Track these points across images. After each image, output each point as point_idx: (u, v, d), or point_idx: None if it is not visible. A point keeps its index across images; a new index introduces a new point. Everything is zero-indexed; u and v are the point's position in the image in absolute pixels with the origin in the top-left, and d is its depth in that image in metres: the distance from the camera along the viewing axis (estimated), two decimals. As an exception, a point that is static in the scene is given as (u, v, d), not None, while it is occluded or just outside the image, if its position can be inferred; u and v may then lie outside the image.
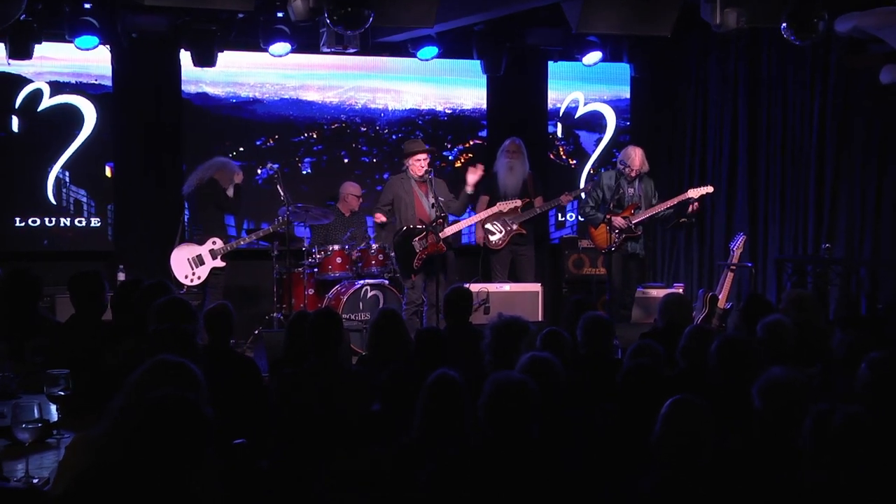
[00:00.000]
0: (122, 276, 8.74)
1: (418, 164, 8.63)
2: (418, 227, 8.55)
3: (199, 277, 8.61)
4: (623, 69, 10.91)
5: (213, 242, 8.65)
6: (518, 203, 8.99)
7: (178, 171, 9.65)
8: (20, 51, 8.79)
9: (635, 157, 8.82)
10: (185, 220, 9.38)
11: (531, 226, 9.61)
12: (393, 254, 8.79)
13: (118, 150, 9.69)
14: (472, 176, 8.87)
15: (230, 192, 8.83)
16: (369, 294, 8.97)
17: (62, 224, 9.54)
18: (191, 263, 8.59)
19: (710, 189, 8.87)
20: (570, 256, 10.21)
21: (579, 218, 10.59)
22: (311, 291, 9.13)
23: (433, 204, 8.44)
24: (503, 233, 9.33)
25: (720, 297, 8.83)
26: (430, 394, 3.84)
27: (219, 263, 8.64)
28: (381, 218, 8.86)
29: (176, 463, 2.93)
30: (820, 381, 4.95)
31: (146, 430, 2.94)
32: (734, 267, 8.99)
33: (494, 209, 8.94)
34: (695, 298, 9.12)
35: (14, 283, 5.78)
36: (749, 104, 10.47)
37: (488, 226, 9.26)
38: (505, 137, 9.76)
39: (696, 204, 8.79)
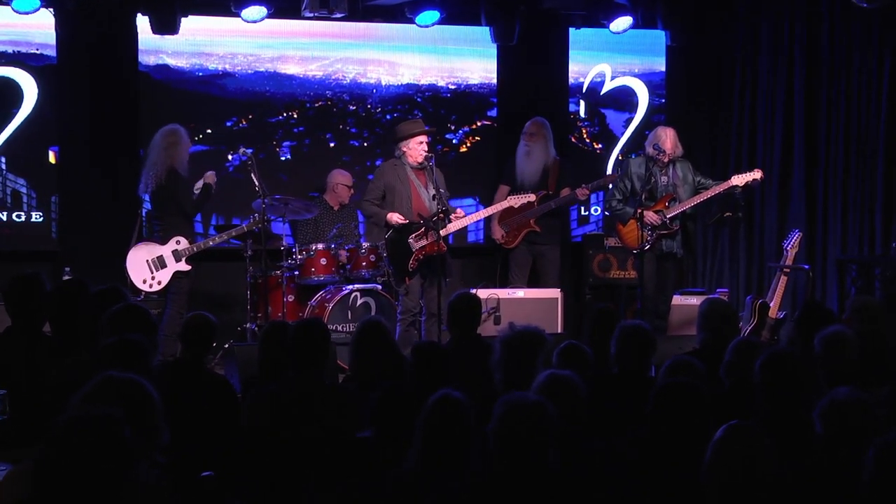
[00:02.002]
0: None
1: (419, 147, 8.58)
2: (416, 222, 8.53)
3: (159, 283, 8.61)
4: (657, 37, 10.91)
5: (177, 242, 8.64)
6: (531, 198, 8.97)
7: (135, 156, 9.66)
8: (-51, 15, 8.82)
9: (666, 138, 8.82)
10: (144, 214, 9.38)
11: (557, 223, 9.62)
12: (385, 253, 8.78)
13: (64, 132, 9.70)
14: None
15: (198, 184, 8.76)
16: (359, 301, 8.97)
17: (-2, 219, 9.56)
18: (150, 266, 8.59)
19: (757, 175, 8.85)
20: (595, 257, 10.21)
21: (605, 212, 10.60)
22: (290, 298, 9.13)
23: (434, 195, 8.42)
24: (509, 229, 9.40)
25: (772, 304, 8.83)
26: (431, 418, 3.85)
27: (183, 267, 8.63)
28: (394, 218, 8.52)
29: (90, 492, 2.94)
30: (889, 405, 4.95)
31: (54, 458, 2.95)
32: (788, 269, 8.99)
33: (504, 204, 8.95)
34: (742, 307, 9.12)
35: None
36: (806, 79, 10.46)
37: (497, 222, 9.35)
38: (518, 117, 9.78)
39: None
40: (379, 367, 5.39)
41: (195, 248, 8.69)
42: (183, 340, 5.46)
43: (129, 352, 4.47)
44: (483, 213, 9.18)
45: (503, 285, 9.36)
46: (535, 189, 9.32)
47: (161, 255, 8.60)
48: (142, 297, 8.56)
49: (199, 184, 8.78)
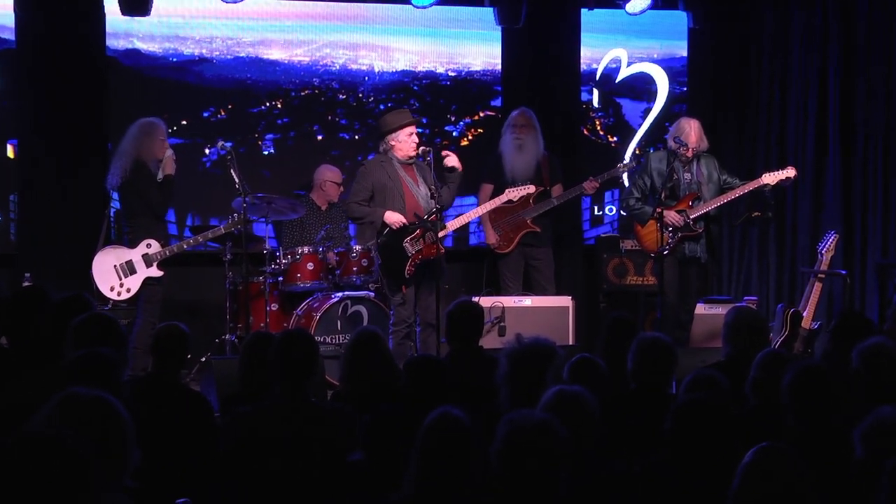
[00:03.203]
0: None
1: (409, 140, 8.51)
2: (411, 223, 8.48)
3: (128, 290, 8.61)
4: (678, 19, 10.93)
5: (148, 245, 8.64)
6: (531, 189, 8.97)
7: (103, 150, 9.67)
8: None
9: (690, 130, 8.83)
10: (112, 214, 9.38)
11: (548, 221, 9.62)
12: (378, 259, 8.72)
13: (24, 124, 9.71)
14: (448, 159, 8.56)
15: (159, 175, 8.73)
16: (350, 310, 8.98)
17: (-49, 220, 9.58)
18: (118, 272, 8.59)
19: (791, 173, 8.87)
20: (610, 262, 10.23)
21: (621, 212, 10.62)
22: (274, 307, 9.15)
23: (431, 193, 8.36)
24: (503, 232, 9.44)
25: (805, 314, 8.84)
26: (428, 439, 3.86)
27: (155, 272, 8.62)
28: (394, 217, 8.38)
29: None
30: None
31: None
32: (823, 275, 9.00)
33: (503, 197, 8.95)
34: (772, 316, 9.13)
35: None
36: (843, 65, 10.48)
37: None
38: (522, 106, 9.77)
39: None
40: (375, 384, 5.39)
41: (168, 252, 8.69)
42: (154, 353, 5.48)
43: (96, 366, 4.47)
44: (480, 209, 9.17)
45: (490, 293, 9.35)
46: (528, 185, 9.33)
47: (130, 260, 8.60)
48: (109, 305, 8.56)
49: (160, 175, 8.71)
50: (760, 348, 5.85)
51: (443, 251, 8.43)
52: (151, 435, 4.25)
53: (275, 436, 4.62)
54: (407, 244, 8.42)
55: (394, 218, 8.41)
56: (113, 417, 3.41)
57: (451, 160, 8.53)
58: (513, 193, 8.92)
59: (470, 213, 9.13)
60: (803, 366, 4.68)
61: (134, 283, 8.61)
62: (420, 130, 8.91)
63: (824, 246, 9.00)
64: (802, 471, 3.59)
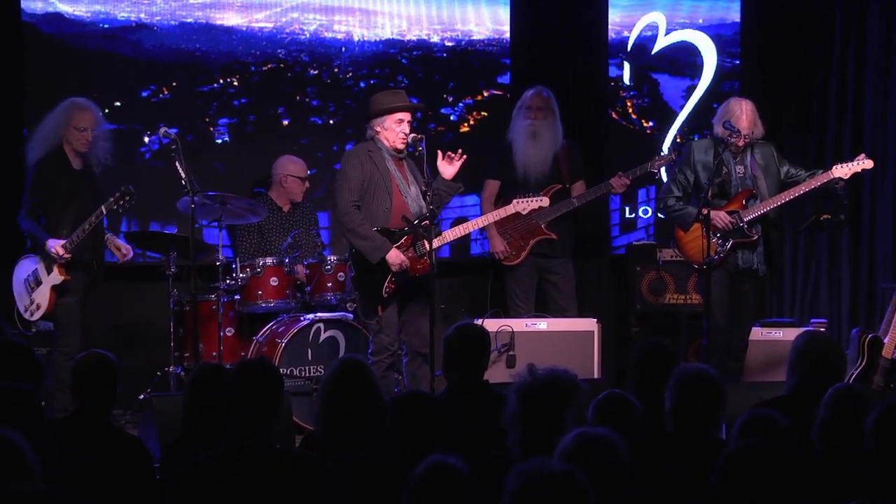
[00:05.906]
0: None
1: (397, 129, 8.45)
2: (398, 229, 8.44)
3: (38, 307, 8.55)
4: (729, -24, 11.00)
5: (51, 247, 8.50)
6: (545, 203, 8.87)
7: (18, 136, 9.67)
8: None
9: (742, 113, 8.83)
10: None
11: (567, 226, 9.62)
12: (351, 271, 8.69)
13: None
14: (449, 167, 8.47)
15: (76, 164, 8.69)
16: (323, 335, 8.99)
17: None
18: (27, 287, 8.55)
19: (867, 164, 8.88)
20: (645, 276, 10.24)
21: (658, 214, 10.62)
22: (230, 331, 9.16)
23: (424, 192, 8.32)
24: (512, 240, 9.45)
25: (886, 340, 8.84)
26: (419, 493, 3.86)
27: (56, 278, 8.49)
28: (397, 261, 8.24)
29: None
30: None
31: None
32: (908, 293, 9.02)
33: (509, 209, 8.89)
34: (846, 343, 9.13)
35: None
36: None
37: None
38: (538, 85, 9.78)
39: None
40: (359, 426, 5.39)
41: (64, 249, 8.50)
42: (75, 391, 5.45)
43: (5, 403, 4.48)
44: (482, 220, 9.14)
45: (496, 314, 9.33)
46: (543, 183, 9.33)
47: (35, 269, 8.54)
48: (33, 331, 8.54)
49: (51, 247, 8.52)
50: (833, 381, 5.84)
51: (434, 268, 8.28)
52: (78, 489, 4.25)
53: (228, 490, 4.61)
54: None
55: (397, 261, 8.26)
56: (15, 458, 3.41)
57: (451, 169, 8.45)
58: (521, 205, 8.82)
59: (470, 224, 9.05)
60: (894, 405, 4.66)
61: (42, 298, 8.53)
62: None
63: (910, 256, 9.03)
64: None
